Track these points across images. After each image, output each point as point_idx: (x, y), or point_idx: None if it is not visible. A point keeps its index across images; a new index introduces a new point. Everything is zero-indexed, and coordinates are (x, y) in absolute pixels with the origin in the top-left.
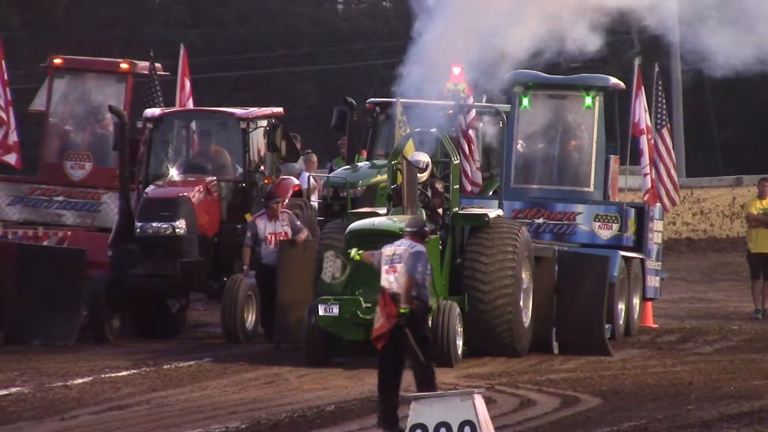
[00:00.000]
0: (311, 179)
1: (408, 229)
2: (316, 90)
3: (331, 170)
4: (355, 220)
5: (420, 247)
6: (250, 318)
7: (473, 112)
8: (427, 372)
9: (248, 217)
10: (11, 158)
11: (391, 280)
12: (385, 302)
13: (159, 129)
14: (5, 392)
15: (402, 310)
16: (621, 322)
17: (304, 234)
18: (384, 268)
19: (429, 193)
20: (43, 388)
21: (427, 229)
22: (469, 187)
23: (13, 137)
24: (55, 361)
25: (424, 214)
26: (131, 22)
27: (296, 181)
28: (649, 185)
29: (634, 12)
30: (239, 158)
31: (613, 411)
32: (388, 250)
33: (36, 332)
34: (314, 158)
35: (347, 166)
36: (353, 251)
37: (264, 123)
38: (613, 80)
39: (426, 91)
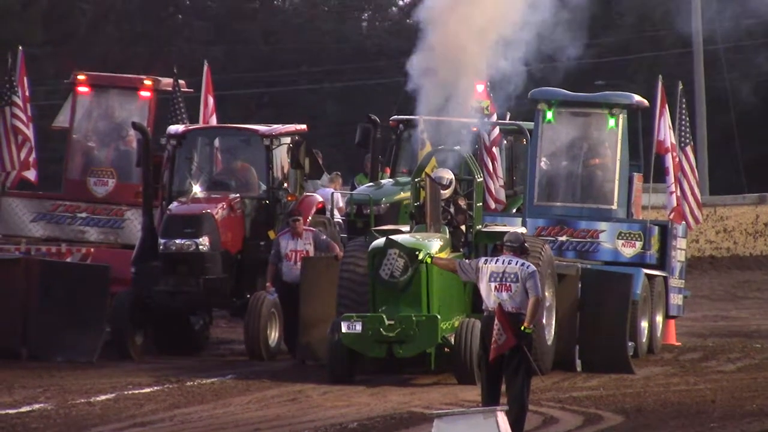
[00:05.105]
0: (335, 196)
1: (508, 244)
2: (339, 107)
3: (353, 187)
4: (378, 238)
5: (534, 267)
6: (273, 335)
7: (497, 130)
8: (527, 389)
9: (272, 235)
10: (31, 174)
11: (504, 298)
12: (506, 320)
13: (182, 146)
14: (28, 408)
15: (528, 331)
16: (644, 340)
17: (337, 249)
18: (492, 284)
19: (452, 210)
20: (66, 404)
21: (527, 244)
22: (492, 205)
23: (33, 154)
24: (78, 377)
25: (447, 231)
26: (155, 38)
27: (320, 199)
28: (675, 203)
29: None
30: (263, 175)
31: (636, 429)
32: (493, 265)
33: (59, 349)
34: (339, 179)
35: (371, 183)
36: (422, 253)
37: (287, 140)
38: (637, 98)
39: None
